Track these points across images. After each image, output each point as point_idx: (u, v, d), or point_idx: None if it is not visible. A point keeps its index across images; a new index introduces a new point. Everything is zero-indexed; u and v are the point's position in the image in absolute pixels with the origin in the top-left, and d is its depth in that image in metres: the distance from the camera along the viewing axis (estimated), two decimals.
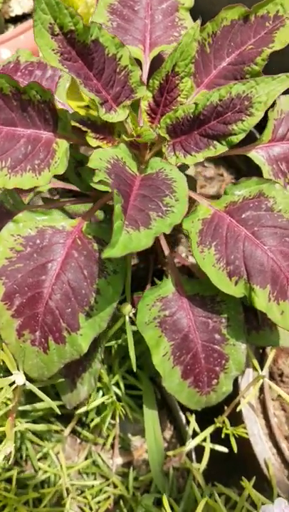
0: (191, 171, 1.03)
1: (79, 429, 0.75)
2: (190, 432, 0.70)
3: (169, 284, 0.55)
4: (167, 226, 0.43)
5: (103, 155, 0.47)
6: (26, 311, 0.50)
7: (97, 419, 0.72)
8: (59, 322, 0.49)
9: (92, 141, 0.50)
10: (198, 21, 0.47)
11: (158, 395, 0.79)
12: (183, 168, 0.53)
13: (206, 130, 0.50)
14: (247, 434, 0.68)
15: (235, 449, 0.66)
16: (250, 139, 0.56)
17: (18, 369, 0.54)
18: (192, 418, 0.71)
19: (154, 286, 0.55)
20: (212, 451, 0.67)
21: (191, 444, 0.68)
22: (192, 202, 0.53)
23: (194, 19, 0.50)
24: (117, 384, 0.71)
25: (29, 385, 0.55)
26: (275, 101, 0.56)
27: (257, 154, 0.55)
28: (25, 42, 0.89)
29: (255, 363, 0.65)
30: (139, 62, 0.56)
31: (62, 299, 0.49)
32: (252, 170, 0.56)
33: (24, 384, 0.55)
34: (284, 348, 0.77)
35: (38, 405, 0.66)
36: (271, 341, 0.65)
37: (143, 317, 0.54)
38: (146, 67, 0.55)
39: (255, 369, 0.73)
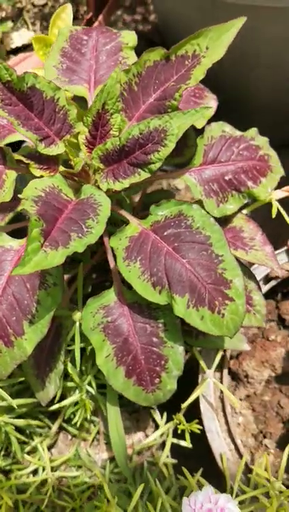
0: (181, 185, 1.10)
1: (69, 427, 0.83)
2: (158, 433, 0.76)
3: (111, 294, 0.62)
4: (83, 245, 0.50)
5: (39, 184, 0.55)
6: None
7: (76, 417, 0.80)
8: (6, 328, 0.58)
9: (36, 171, 0.58)
10: (119, 67, 0.55)
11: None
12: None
13: (131, 159, 0.57)
14: (201, 430, 0.74)
15: (190, 444, 0.72)
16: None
17: None
18: (156, 414, 0.78)
19: (97, 296, 0.62)
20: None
21: (151, 437, 0.75)
22: (125, 221, 0.60)
23: None
24: (90, 384, 0.79)
25: None
26: (204, 128, 0.63)
27: (190, 177, 0.62)
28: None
29: (202, 364, 0.72)
30: (84, 99, 0.64)
31: (8, 308, 0.57)
32: None
33: None
34: (248, 351, 0.83)
35: (16, 401, 0.75)
36: (217, 345, 0.71)
37: (88, 323, 0.62)
38: (90, 103, 0.63)
39: (218, 368, 0.79)
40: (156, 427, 0.85)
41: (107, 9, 1.03)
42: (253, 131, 0.65)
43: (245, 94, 0.88)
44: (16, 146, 0.65)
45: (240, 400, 0.82)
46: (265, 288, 0.82)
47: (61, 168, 0.58)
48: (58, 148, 0.58)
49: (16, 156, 0.57)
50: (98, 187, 0.58)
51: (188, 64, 0.57)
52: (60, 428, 0.82)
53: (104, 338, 0.62)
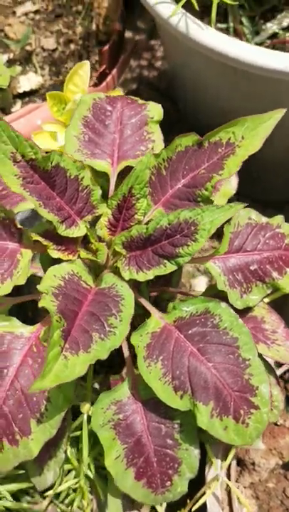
0: None
1: (60, 504, 0.77)
2: None
3: (124, 388, 0.57)
4: (106, 350, 0.46)
5: (58, 271, 0.50)
6: None
7: (72, 495, 0.75)
8: (12, 426, 0.52)
9: (54, 253, 0.54)
10: (151, 151, 0.51)
11: None
12: None
13: (157, 249, 0.53)
14: None
15: None
16: None
17: None
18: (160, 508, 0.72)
19: (110, 390, 0.57)
20: None
21: None
22: (145, 312, 0.56)
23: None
24: (89, 467, 0.74)
25: None
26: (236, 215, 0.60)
27: (214, 265, 0.58)
28: (25, 124, 0.95)
29: (215, 462, 0.67)
30: (106, 175, 0.60)
31: (15, 404, 0.52)
32: None
33: None
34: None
35: (8, 487, 0.69)
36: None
37: (97, 419, 0.57)
38: (113, 180, 0.59)
39: (224, 458, 0.74)
40: None
41: (121, 63, 1.01)
42: (279, 219, 0.62)
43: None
44: None
45: (244, 487, 0.78)
46: (277, 371, 0.78)
47: (81, 253, 0.54)
48: (78, 230, 0.54)
49: (34, 237, 0.53)
50: (119, 275, 0.54)
51: (222, 152, 0.54)
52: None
53: (114, 437, 0.57)
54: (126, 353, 0.59)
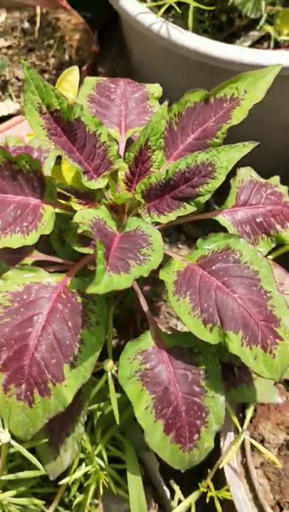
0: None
1: (62, 509, 0.73)
2: (175, 504, 0.69)
3: (148, 338, 0.58)
4: (145, 271, 0.47)
5: (86, 215, 0.52)
6: (13, 364, 0.52)
7: (79, 497, 0.72)
8: (44, 374, 0.51)
9: (76, 206, 0.56)
10: (166, 102, 0.56)
11: (142, 472, 0.79)
12: None
13: (176, 194, 0.56)
14: (231, 496, 0.68)
15: None
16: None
17: (3, 427, 0.56)
18: (176, 487, 0.71)
19: (135, 340, 0.58)
20: None
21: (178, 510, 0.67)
22: (166, 258, 0.58)
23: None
24: (99, 455, 0.71)
25: (14, 444, 0.56)
26: (236, 171, 0.64)
27: (223, 218, 0.62)
28: (12, 135, 0.98)
29: (235, 420, 0.67)
30: (116, 142, 0.64)
31: (48, 349, 0.52)
32: None
33: (9, 442, 0.56)
34: (263, 413, 0.79)
35: (21, 474, 0.66)
36: (249, 397, 0.67)
37: (125, 371, 0.57)
38: (122, 146, 0.62)
39: (236, 431, 0.74)
40: (160, 508, 0.78)
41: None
42: (276, 179, 0.67)
43: None
44: None
45: (256, 468, 0.77)
46: None
47: (105, 202, 0.56)
48: (98, 183, 0.57)
49: (59, 189, 0.54)
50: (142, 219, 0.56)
51: (227, 106, 0.59)
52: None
53: (141, 388, 0.56)
54: (145, 307, 0.60)
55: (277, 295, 0.55)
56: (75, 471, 0.66)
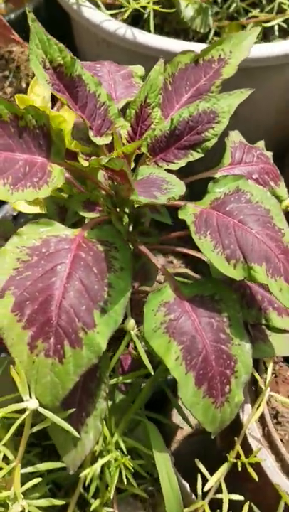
0: None
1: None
2: (199, 486, 0.65)
3: (168, 290, 0.57)
4: (175, 196, 0.48)
5: (97, 162, 0.52)
6: (39, 317, 0.49)
7: (96, 503, 0.67)
8: (74, 322, 0.49)
9: (84, 162, 0.56)
10: (162, 59, 0.58)
11: (154, 484, 0.75)
12: None
13: (182, 144, 0.57)
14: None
15: (256, 477, 0.63)
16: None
17: (30, 395, 0.52)
18: (202, 466, 0.67)
19: (155, 291, 0.57)
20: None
21: (208, 486, 0.64)
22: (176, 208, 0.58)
23: None
24: (117, 446, 0.67)
25: (43, 411, 0.52)
26: (228, 133, 0.67)
27: (222, 175, 0.64)
28: None
29: (257, 376, 0.66)
30: None
31: (76, 296, 0.49)
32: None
33: (37, 409, 0.52)
34: (272, 387, 0.78)
35: (41, 466, 0.61)
36: (266, 353, 0.67)
37: (150, 324, 0.55)
38: None
39: (253, 406, 0.73)
40: None
41: None
42: (261, 143, 0.71)
43: None
44: None
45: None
46: None
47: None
48: (103, 140, 0.57)
49: (67, 145, 0.54)
50: None
51: (215, 67, 0.62)
52: None
53: (169, 340, 0.55)
54: (158, 264, 0.59)
55: None
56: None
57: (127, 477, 0.63)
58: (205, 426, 0.57)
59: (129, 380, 0.68)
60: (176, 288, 0.58)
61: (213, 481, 0.63)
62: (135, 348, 0.80)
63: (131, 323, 0.57)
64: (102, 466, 0.63)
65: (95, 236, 0.53)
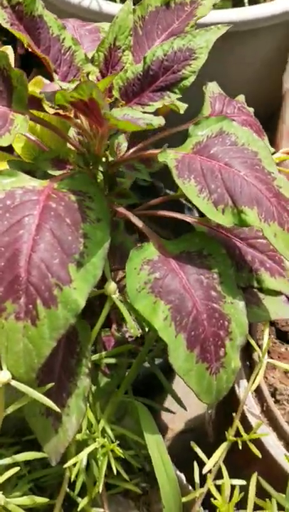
0: None
1: None
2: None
3: (151, 247, 0.51)
4: (151, 123, 0.43)
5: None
6: (6, 275, 0.43)
7: (83, 502, 0.60)
8: (47, 278, 0.43)
9: (50, 110, 0.51)
10: (130, 0, 0.54)
11: (146, 479, 0.69)
12: None
13: (157, 85, 0.52)
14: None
15: (260, 454, 0.58)
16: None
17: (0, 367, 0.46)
18: (198, 449, 0.61)
19: (138, 248, 0.51)
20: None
21: (207, 468, 0.58)
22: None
23: None
24: (103, 433, 0.61)
25: (15, 383, 0.46)
26: (206, 84, 0.63)
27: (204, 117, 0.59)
28: None
29: (253, 342, 0.61)
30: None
31: (48, 249, 0.43)
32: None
33: (9, 383, 0.45)
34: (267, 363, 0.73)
35: (18, 457, 0.54)
36: (262, 316, 0.61)
37: (133, 282, 0.49)
38: None
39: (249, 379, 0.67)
40: None
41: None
42: (242, 97, 0.66)
43: None
44: None
45: None
46: None
47: None
48: (70, 86, 0.52)
49: (31, 91, 0.49)
50: None
51: (188, 10, 0.58)
52: None
53: (155, 300, 0.49)
54: (139, 223, 0.54)
55: (280, 176, 0.52)
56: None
57: (117, 470, 0.57)
58: (200, 396, 0.52)
59: (113, 361, 0.62)
60: (160, 246, 0.52)
61: (212, 462, 0.57)
62: (118, 329, 0.74)
63: (112, 286, 0.52)
64: (88, 460, 0.56)
65: (66, 186, 0.47)
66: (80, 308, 0.43)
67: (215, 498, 0.54)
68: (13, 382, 0.45)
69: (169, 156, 0.50)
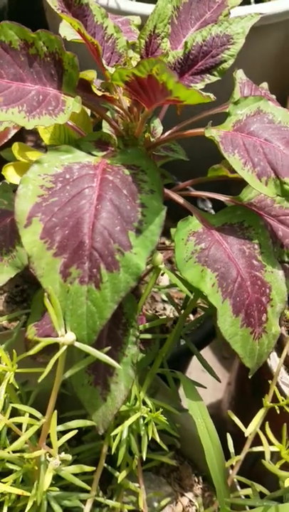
0: None
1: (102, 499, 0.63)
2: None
3: (195, 220, 0.55)
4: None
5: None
6: (71, 242, 0.46)
7: (122, 475, 0.62)
8: (110, 243, 0.46)
9: (98, 92, 0.54)
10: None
11: (176, 456, 0.71)
12: None
13: (197, 69, 0.56)
14: None
15: None
16: None
17: (64, 329, 0.48)
18: (235, 418, 0.64)
19: (184, 220, 0.54)
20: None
21: (249, 430, 0.60)
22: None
23: None
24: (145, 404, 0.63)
25: (79, 345, 0.48)
26: (235, 70, 0.66)
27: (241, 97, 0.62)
28: None
29: (286, 311, 0.64)
30: None
31: (109, 217, 0.46)
32: None
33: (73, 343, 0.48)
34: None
35: (71, 424, 0.56)
36: None
37: (181, 253, 0.52)
38: None
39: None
40: (204, 480, 0.70)
41: None
42: (265, 85, 0.70)
43: None
44: None
45: None
46: None
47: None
48: (114, 69, 0.55)
49: (81, 75, 0.52)
50: None
51: (219, 1, 0.62)
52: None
53: (202, 268, 0.52)
54: (180, 199, 0.57)
55: None
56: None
57: (151, 445, 0.59)
58: (244, 360, 0.55)
59: (149, 336, 0.64)
60: (202, 219, 0.55)
61: (253, 424, 0.60)
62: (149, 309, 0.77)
63: (159, 257, 0.55)
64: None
65: (119, 161, 0.50)
66: (141, 272, 0.46)
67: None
68: (77, 344, 0.47)
69: (214, 133, 0.53)
